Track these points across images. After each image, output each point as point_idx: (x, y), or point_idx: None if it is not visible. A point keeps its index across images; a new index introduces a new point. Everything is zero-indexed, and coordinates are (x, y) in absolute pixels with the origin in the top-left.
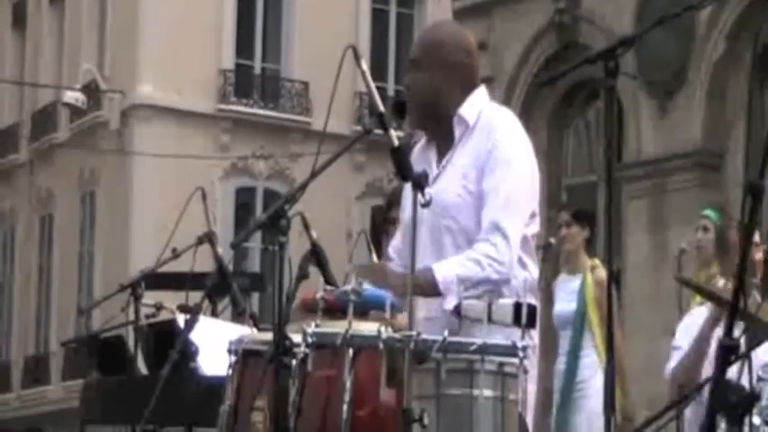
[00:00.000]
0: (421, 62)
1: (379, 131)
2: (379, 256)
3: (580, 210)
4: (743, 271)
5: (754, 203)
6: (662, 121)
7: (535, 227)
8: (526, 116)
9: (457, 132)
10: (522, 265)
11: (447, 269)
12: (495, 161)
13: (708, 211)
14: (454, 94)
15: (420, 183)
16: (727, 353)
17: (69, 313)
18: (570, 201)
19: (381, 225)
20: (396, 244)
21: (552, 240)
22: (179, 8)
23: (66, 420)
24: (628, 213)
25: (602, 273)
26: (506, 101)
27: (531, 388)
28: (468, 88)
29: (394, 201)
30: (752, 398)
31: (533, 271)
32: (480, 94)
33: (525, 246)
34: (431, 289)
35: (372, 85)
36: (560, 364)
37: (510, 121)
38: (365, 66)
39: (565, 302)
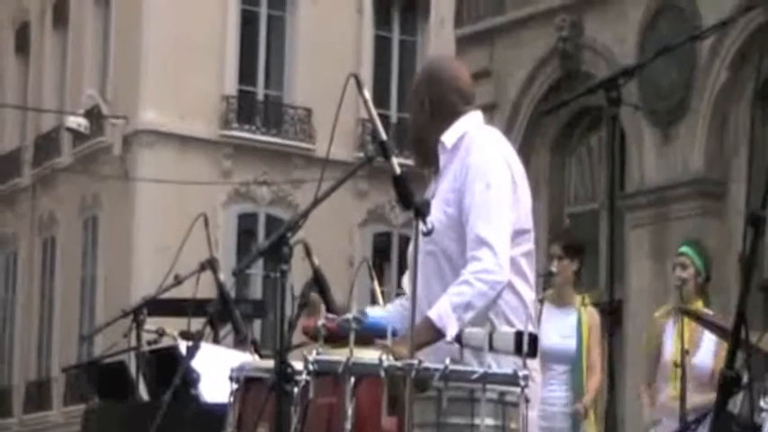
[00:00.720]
0: (410, 103)
1: (381, 159)
2: (381, 283)
3: (570, 243)
4: (744, 301)
5: (755, 234)
6: (664, 149)
7: (527, 246)
8: (529, 143)
9: (441, 160)
10: (510, 287)
11: (439, 305)
12: (471, 179)
13: (684, 248)
14: (440, 128)
15: (421, 211)
16: (729, 384)
17: (71, 338)
18: (565, 231)
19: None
20: (404, 278)
21: (554, 269)
22: (182, 34)
23: None
24: (630, 242)
25: (594, 310)
26: (509, 128)
27: (533, 414)
28: (453, 118)
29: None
30: (753, 429)
31: (525, 293)
32: (468, 119)
33: (514, 266)
34: (433, 333)
35: (374, 113)
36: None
37: (488, 138)
38: (367, 94)
39: (558, 337)
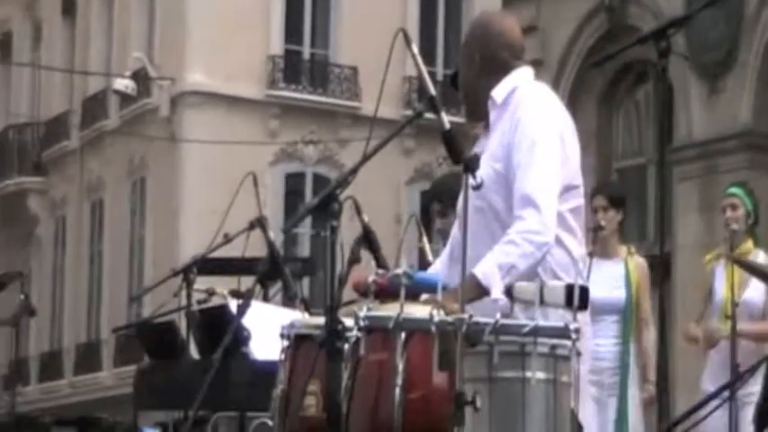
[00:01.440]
0: (461, 59)
1: (429, 115)
2: (429, 240)
3: (615, 194)
4: None
5: None
6: (712, 102)
7: (576, 200)
8: (575, 98)
9: (491, 115)
10: (560, 242)
11: (485, 264)
12: (519, 136)
13: (734, 189)
14: (490, 83)
15: (470, 165)
16: None
17: (120, 300)
18: (607, 183)
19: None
20: (454, 232)
21: (603, 223)
22: None
23: (118, 406)
24: (678, 195)
25: (642, 261)
26: (555, 83)
27: (583, 367)
28: (503, 72)
29: (437, 194)
30: None
31: (573, 248)
32: (518, 74)
33: (561, 222)
34: (478, 291)
35: (423, 67)
36: (596, 347)
37: (539, 93)
38: (416, 48)
39: (605, 288)
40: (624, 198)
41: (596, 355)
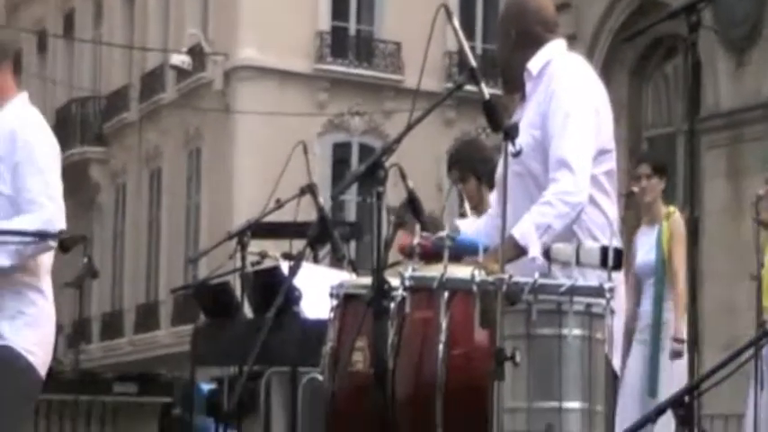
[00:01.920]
0: (498, 34)
1: (470, 87)
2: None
3: (658, 162)
4: None
5: None
6: (738, 74)
7: (609, 164)
8: (607, 71)
9: (527, 86)
10: (594, 203)
11: (522, 224)
12: (555, 104)
13: None
14: (527, 55)
15: (510, 133)
16: None
17: (177, 263)
18: (650, 151)
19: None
20: (493, 196)
21: (635, 189)
22: None
23: (176, 363)
24: (705, 163)
25: (678, 216)
26: (588, 57)
27: (617, 323)
28: (538, 45)
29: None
30: None
31: (608, 209)
32: (552, 47)
33: (597, 184)
34: (516, 251)
35: (464, 40)
36: (644, 308)
37: (573, 64)
38: (456, 24)
39: (645, 253)
40: (666, 166)
41: (642, 316)
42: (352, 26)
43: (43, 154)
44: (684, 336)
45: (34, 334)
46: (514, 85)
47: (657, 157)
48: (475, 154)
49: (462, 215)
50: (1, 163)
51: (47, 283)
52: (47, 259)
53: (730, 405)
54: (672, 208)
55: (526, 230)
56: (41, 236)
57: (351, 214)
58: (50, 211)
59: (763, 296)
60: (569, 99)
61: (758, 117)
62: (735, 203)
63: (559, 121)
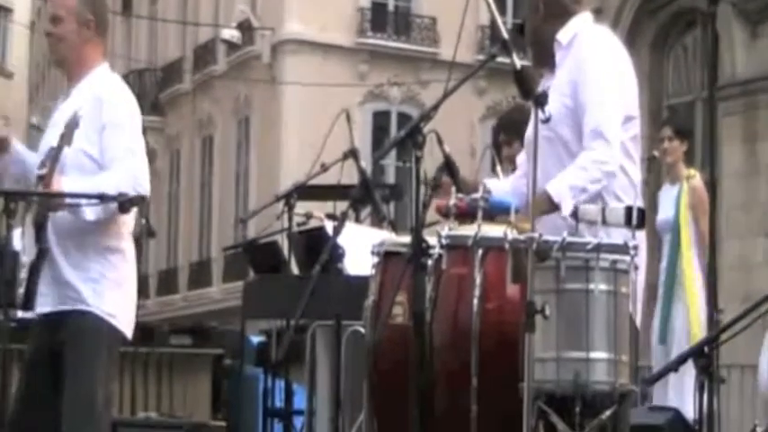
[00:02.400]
0: (527, 8)
1: (501, 59)
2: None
3: (680, 126)
4: None
5: None
6: (753, 45)
7: (634, 130)
8: (630, 43)
9: (557, 56)
10: (622, 168)
11: (558, 183)
12: (585, 74)
13: None
14: (555, 26)
15: (540, 100)
16: None
17: (228, 223)
18: (673, 116)
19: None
20: (521, 161)
21: (656, 153)
22: None
23: (227, 317)
24: (722, 129)
25: (698, 180)
26: (612, 30)
27: (640, 278)
28: (566, 18)
29: (503, 126)
30: None
31: (632, 173)
32: (580, 19)
33: (623, 149)
34: (550, 206)
35: (497, 14)
36: (663, 263)
37: (601, 36)
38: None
39: (666, 210)
40: (688, 130)
41: (662, 272)
42: (391, 2)
43: (126, 116)
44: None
45: (116, 297)
46: (543, 57)
47: (679, 122)
48: (521, 119)
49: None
50: (88, 125)
51: (129, 245)
52: (129, 221)
53: (747, 356)
54: (693, 171)
55: (562, 189)
56: (102, 198)
57: (390, 177)
58: (134, 165)
59: None
60: (600, 70)
61: None
62: (750, 166)
63: (592, 92)
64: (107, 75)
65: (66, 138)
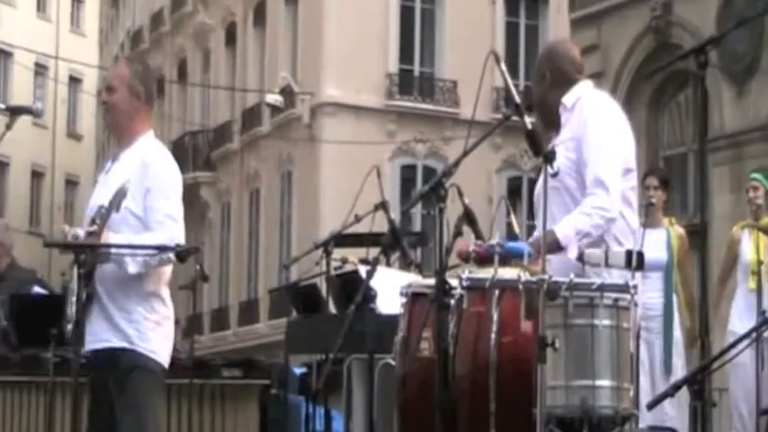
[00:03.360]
0: (535, 76)
1: (515, 118)
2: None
3: (663, 177)
4: None
5: None
6: (739, 102)
7: (632, 181)
8: (629, 102)
9: (562, 117)
10: (621, 214)
11: (564, 227)
12: (587, 132)
13: (755, 175)
14: (560, 92)
15: (549, 157)
16: None
17: (273, 267)
18: (658, 167)
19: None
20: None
21: (653, 200)
22: (354, 26)
23: (272, 351)
24: (713, 177)
25: (681, 230)
26: (613, 91)
27: (638, 313)
28: (569, 85)
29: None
30: None
31: (631, 219)
32: (582, 85)
33: (622, 198)
34: (557, 248)
35: (510, 81)
36: (659, 299)
37: (601, 99)
38: (504, 66)
39: (652, 251)
40: (670, 180)
41: (646, 306)
42: (417, 68)
43: (169, 181)
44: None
45: (157, 336)
46: (550, 119)
47: (664, 173)
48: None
49: (509, 224)
50: (134, 187)
51: (166, 291)
52: (167, 271)
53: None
54: (673, 219)
55: (568, 233)
56: (162, 249)
57: (417, 225)
58: (173, 230)
59: (748, 280)
60: (601, 128)
61: (757, 138)
62: (737, 211)
63: (593, 148)
64: (153, 142)
65: (113, 204)
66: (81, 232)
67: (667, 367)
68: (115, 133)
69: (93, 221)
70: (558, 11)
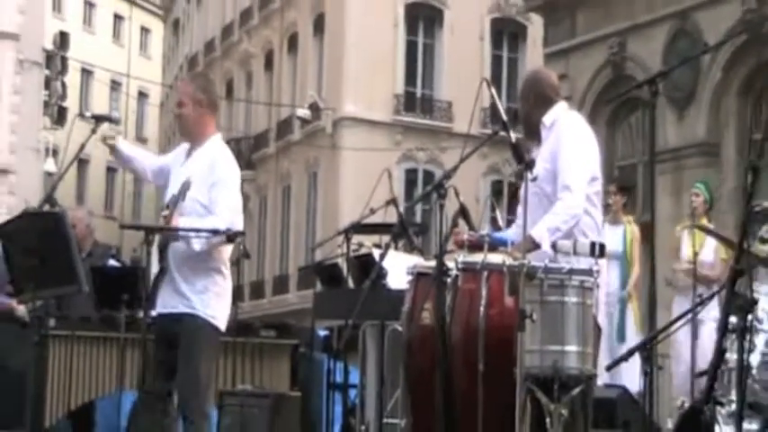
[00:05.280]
0: (521, 98)
1: (502, 133)
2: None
3: (622, 184)
4: (746, 221)
5: (754, 177)
6: (680, 124)
7: (597, 187)
8: (592, 120)
9: (542, 133)
10: (587, 213)
11: (538, 228)
12: (561, 147)
13: (698, 184)
14: (541, 111)
15: (529, 165)
16: (736, 274)
17: (300, 249)
18: (618, 176)
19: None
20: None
21: (610, 202)
22: (369, 54)
23: (300, 317)
24: (658, 184)
25: (635, 226)
26: (579, 110)
27: (601, 294)
28: (549, 105)
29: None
30: (754, 301)
31: (597, 217)
32: (559, 107)
33: (589, 200)
34: (533, 245)
35: (499, 103)
36: (616, 284)
37: (574, 120)
38: (494, 91)
39: (612, 243)
40: (627, 187)
41: (608, 285)
42: (419, 90)
43: (230, 177)
44: (632, 289)
45: (216, 304)
46: (532, 133)
47: (622, 180)
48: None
49: (493, 218)
50: (201, 181)
51: (227, 267)
52: (227, 250)
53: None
54: (631, 218)
55: (541, 232)
56: (215, 232)
57: (418, 217)
58: (231, 217)
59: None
60: (572, 145)
61: (693, 153)
62: (677, 213)
63: (565, 160)
64: (219, 143)
65: (180, 194)
66: (123, 143)
67: (621, 335)
68: (187, 138)
69: (166, 207)
70: (534, 46)
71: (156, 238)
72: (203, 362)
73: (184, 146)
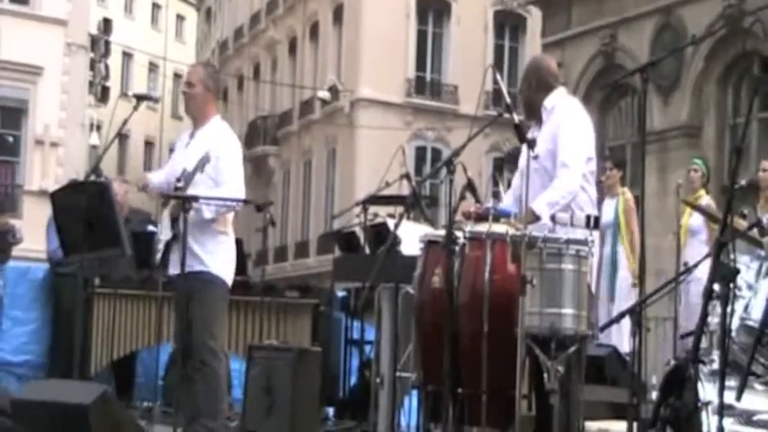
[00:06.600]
0: (523, 82)
1: (506, 115)
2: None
3: (617, 160)
4: (731, 199)
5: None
6: (665, 108)
7: (592, 166)
8: (585, 106)
9: (543, 116)
10: (583, 189)
11: (538, 202)
12: (561, 128)
13: (696, 160)
14: (542, 95)
15: (531, 144)
16: (721, 246)
17: (320, 218)
18: (613, 154)
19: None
20: (515, 184)
21: (603, 179)
22: (383, 42)
23: (321, 279)
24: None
25: (629, 195)
26: (573, 94)
27: (594, 261)
28: (549, 90)
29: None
30: (736, 271)
31: (591, 193)
32: (558, 91)
33: (584, 178)
34: (533, 218)
35: (504, 86)
36: (606, 249)
37: (573, 104)
38: (499, 76)
39: (608, 215)
40: (621, 163)
41: (604, 253)
42: (428, 75)
43: (233, 152)
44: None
45: (224, 262)
46: (533, 115)
47: (616, 157)
48: (517, 154)
49: (495, 192)
50: (209, 154)
51: (231, 229)
52: (231, 215)
53: (661, 311)
54: (624, 189)
55: (540, 206)
56: (233, 200)
57: (427, 191)
58: (236, 186)
59: (681, 244)
60: (570, 127)
61: (677, 135)
62: (662, 188)
63: (564, 138)
64: (221, 123)
65: (198, 167)
66: (151, 177)
67: (611, 296)
68: (192, 115)
69: (179, 179)
70: (533, 36)
71: (168, 207)
72: (215, 312)
73: (186, 132)
